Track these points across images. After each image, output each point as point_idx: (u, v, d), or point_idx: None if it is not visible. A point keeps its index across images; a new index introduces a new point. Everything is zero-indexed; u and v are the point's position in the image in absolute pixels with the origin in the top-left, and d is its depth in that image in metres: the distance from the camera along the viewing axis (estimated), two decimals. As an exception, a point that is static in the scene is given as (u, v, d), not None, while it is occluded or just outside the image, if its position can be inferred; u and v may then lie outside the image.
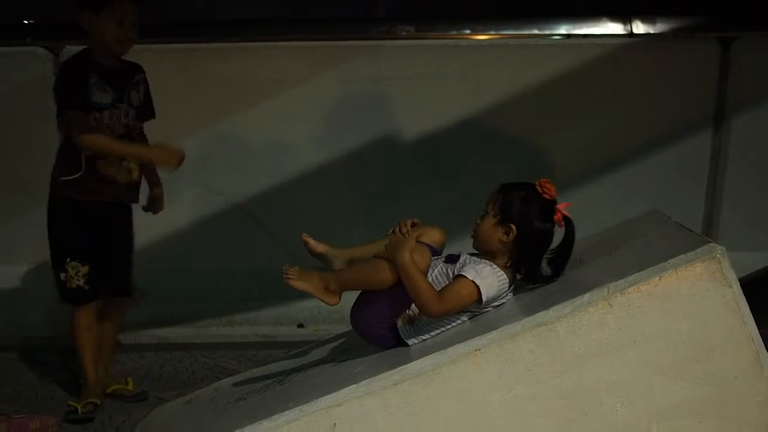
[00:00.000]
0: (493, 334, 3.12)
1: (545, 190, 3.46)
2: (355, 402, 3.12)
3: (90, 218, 4.38)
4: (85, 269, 4.38)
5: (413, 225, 3.59)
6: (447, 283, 3.38)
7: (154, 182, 4.57)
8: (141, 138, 4.46)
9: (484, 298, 3.33)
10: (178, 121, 5.51)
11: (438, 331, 3.41)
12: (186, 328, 5.32)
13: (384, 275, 3.40)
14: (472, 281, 3.31)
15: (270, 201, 5.45)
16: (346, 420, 3.12)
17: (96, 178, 4.31)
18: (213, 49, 5.61)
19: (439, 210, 5.62)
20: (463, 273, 3.35)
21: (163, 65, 5.48)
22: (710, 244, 3.11)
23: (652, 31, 5.73)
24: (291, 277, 3.44)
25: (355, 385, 3.14)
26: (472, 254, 3.49)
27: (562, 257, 3.48)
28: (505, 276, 3.39)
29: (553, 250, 3.49)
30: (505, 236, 3.39)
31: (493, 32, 5.77)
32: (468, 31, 5.79)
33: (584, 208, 5.57)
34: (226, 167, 5.46)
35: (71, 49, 5.44)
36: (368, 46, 5.56)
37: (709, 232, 5.71)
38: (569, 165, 5.70)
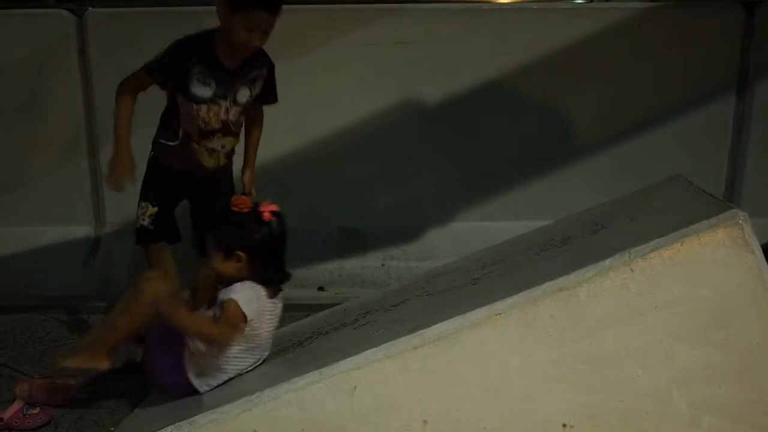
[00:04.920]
0: (513, 299, 3.13)
1: (239, 205, 3.62)
2: (376, 365, 3.14)
3: (176, 180, 4.42)
4: (153, 210, 4.41)
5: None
6: None
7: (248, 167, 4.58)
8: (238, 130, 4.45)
9: (246, 311, 3.50)
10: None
11: (228, 376, 3.61)
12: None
13: (139, 312, 3.65)
14: (230, 299, 3.50)
15: (291, 163, 5.45)
16: (366, 383, 3.13)
17: (188, 153, 4.33)
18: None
19: (459, 173, 5.63)
20: (222, 300, 3.53)
21: (182, 29, 5.48)
22: (733, 210, 3.10)
23: (675, -5, 5.71)
24: (60, 359, 3.75)
25: (375, 348, 3.16)
26: None
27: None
28: (260, 287, 3.58)
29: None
30: (239, 263, 3.57)
31: (516, -5, 5.76)
32: (491, -6, 5.77)
33: (606, 173, 5.61)
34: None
35: (95, 12, 5.47)
36: (391, 8, 5.53)
37: (731, 197, 5.68)
38: (592, 129, 5.67)
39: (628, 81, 5.61)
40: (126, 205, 5.67)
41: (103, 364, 3.73)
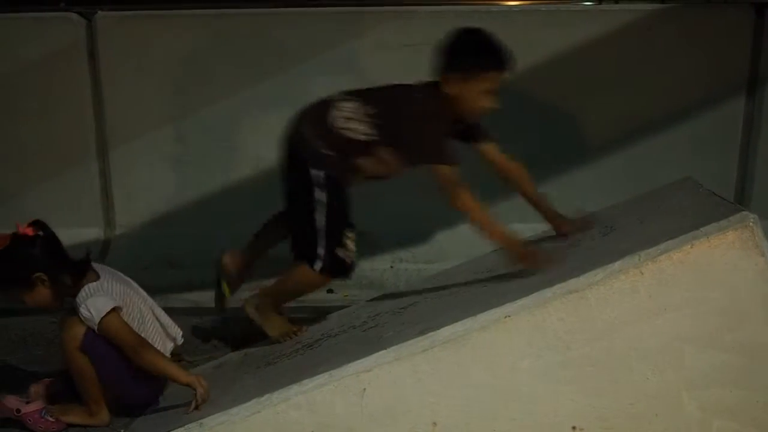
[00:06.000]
0: (523, 301, 3.13)
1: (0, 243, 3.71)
2: (385, 367, 3.13)
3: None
4: (354, 236, 4.13)
5: None
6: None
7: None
8: None
9: (109, 308, 3.63)
10: (211, 86, 5.52)
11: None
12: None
13: (77, 364, 3.73)
14: (99, 321, 3.62)
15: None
16: (375, 385, 3.13)
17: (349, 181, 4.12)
18: (247, 15, 5.60)
19: (467, 175, 5.62)
20: (97, 330, 3.64)
21: (197, 31, 5.49)
22: (743, 212, 3.10)
23: (685, -3, 5.70)
24: (54, 414, 3.81)
25: (384, 350, 3.16)
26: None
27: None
28: (84, 286, 3.70)
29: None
30: (43, 284, 3.71)
31: (525, -2, 5.76)
32: (500, -4, 5.77)
33: (615, 176, 5.60)
34: (257, 131, 5.45)
35: (104, 14, 5.47)
36: (401, 11, 5.54)
37: (741, 200, 5.66)
38: (601, 132, 5.66)
39: (637, 83, 5.60)
40: (134, 207, 5.71)
41: (103, 418, 3.81)
